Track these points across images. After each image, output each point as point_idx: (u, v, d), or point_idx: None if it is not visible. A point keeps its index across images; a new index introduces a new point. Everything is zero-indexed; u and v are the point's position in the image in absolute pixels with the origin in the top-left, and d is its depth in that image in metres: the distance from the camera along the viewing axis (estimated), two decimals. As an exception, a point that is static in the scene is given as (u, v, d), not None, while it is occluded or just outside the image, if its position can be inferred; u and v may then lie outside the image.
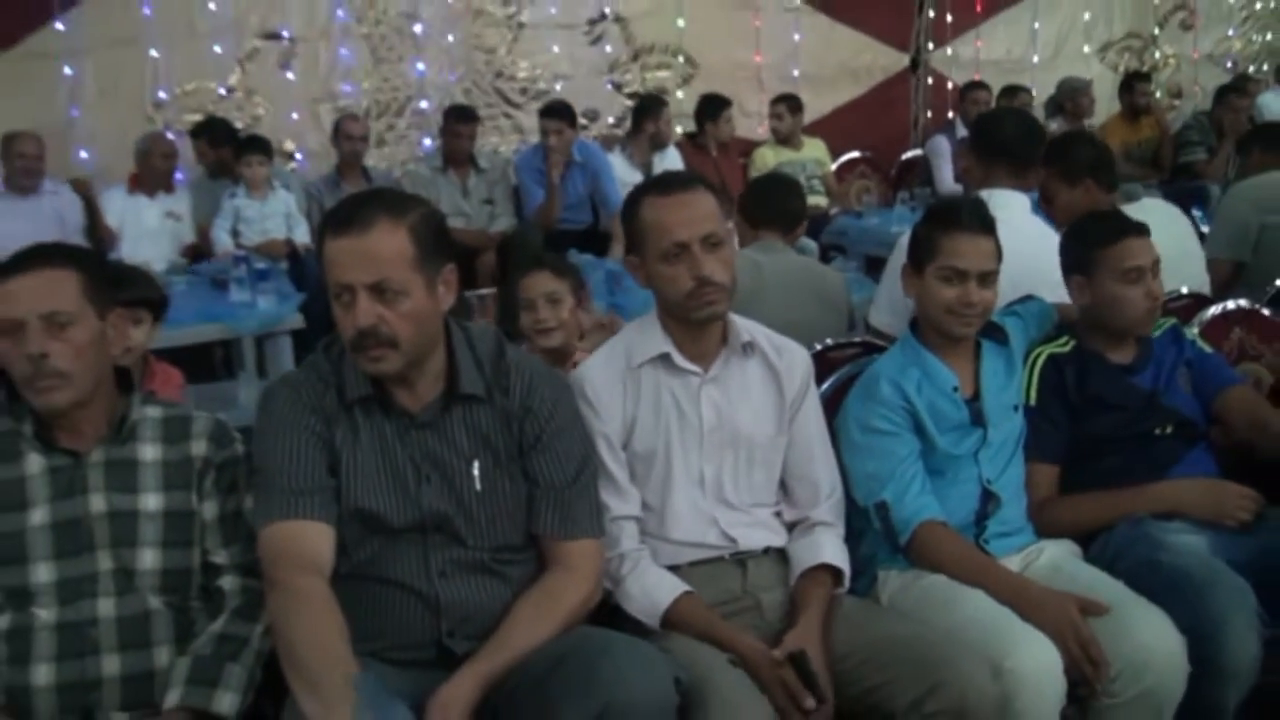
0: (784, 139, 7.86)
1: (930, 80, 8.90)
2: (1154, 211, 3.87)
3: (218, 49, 7.23)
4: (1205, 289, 3.95)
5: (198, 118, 7.14)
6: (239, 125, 7.16)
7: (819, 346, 3.26)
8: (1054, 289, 3.32)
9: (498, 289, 6.53)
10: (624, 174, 7.21)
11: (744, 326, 2.68)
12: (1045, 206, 4.06)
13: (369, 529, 2.32)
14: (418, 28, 7.50)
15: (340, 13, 7.36)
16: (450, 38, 7.64)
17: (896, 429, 2.74)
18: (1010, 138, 3.65)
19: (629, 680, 2.09)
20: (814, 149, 8.01)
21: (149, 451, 2.40)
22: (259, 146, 6.52)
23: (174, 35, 7.12)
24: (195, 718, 2.26)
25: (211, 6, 7.14)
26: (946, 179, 7.34)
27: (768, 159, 7.81)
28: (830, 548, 2.60)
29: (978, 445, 2.80)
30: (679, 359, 2.59)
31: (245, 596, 2.40)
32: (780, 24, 8.55)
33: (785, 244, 3.99)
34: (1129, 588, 2.57)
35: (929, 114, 8.94)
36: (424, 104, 7.45)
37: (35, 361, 2.24)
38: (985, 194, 3.56)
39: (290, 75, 7.37)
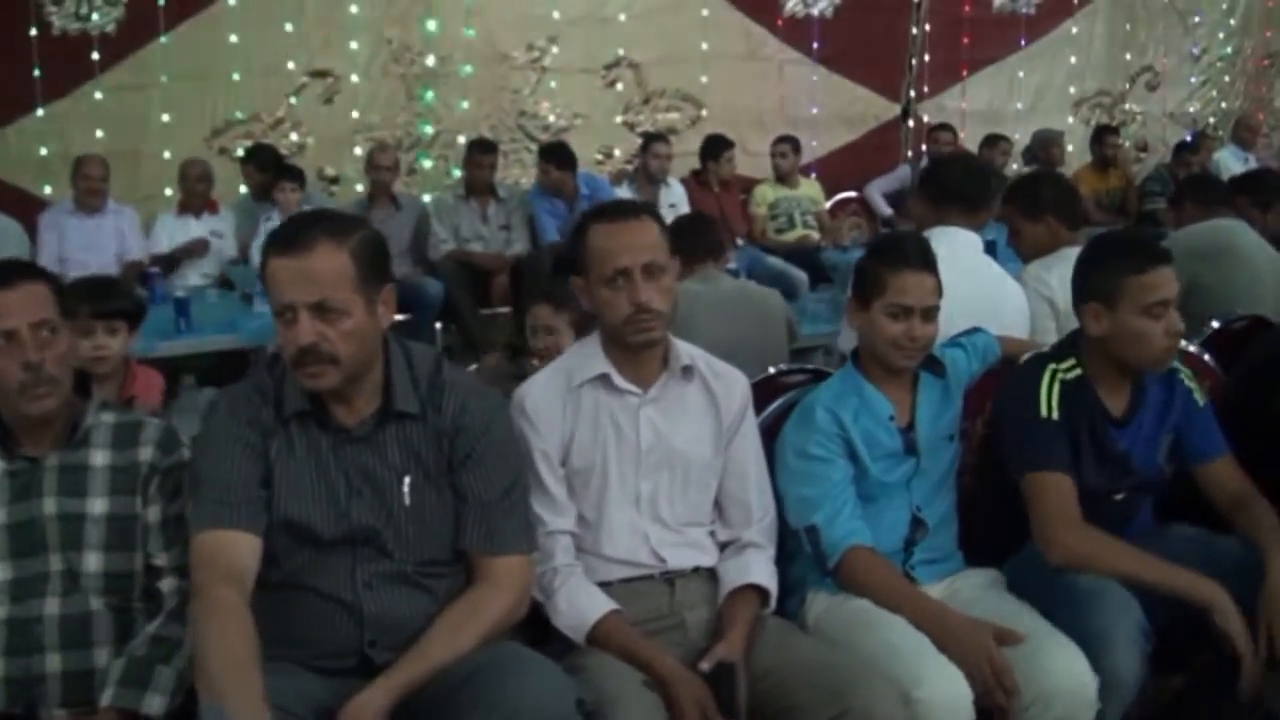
0: (783, 177, 7.65)
1: (917, 128, 8.64)
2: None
3: (270, 84, 7.12)
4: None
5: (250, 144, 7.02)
6: (286, 152, 7.04)
7: (772, 370, 3.03)
8: (1000, 323, 3.11)
9: (513, 309, 6.44)
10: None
11: (685, 351, 2.47)
12: (1012, 240, 3.84)
13: (299, 540, 2.14)
14: (445, 69, 7.35)
15: (378, 54, 7.23)
16: (478, 79, 7.47)
17: (831, 455, 2.51)
18: (959, 181, 3.44)
19: (529, 700, 1.92)
20: (809, 187, 7.82)
21: (99, 457, 2.25)
22: (293, 175, 6.43)
23: (233, 70, 7.04)
24: (126, 717, 2.10)
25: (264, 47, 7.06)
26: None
27: (767, 195, 7.63)
28: (759, 568, 2.38)
29: (910, 473, 2.56)
30: (618, 380, 2.39)
31: (181, 598, 2.22)
32: (783, 73, 8.34)
33: (718, 270, 3.83)
34: (1037, 607, 2.36)
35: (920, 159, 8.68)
36: (460, 138, 7.26)
37: (34, 369, 2.13)
38: (939, 232, 3.35)
39: (332, 108, 7.20)
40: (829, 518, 2.45)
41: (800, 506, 2.49)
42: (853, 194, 8.17)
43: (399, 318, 2.42)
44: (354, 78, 7.25)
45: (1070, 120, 9.24)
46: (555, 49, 7.64)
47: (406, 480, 2.18)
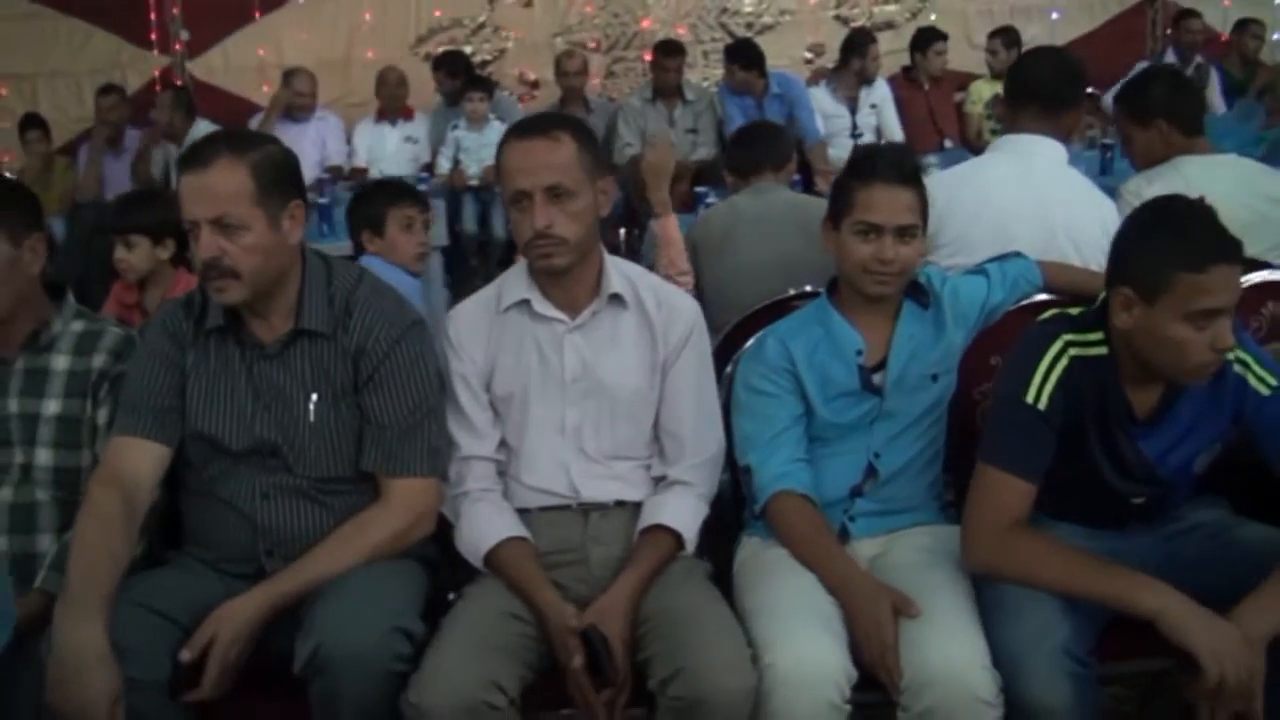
0: (999, 73, 7.07)
1: (1166, 14, 7.75)
2: (1228, 168, 3.18)
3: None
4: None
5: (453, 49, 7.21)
6: (488, 58, 7.18)
7: (792, 291, 2.85)
8: (1080, 252, 2.79)
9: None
10: (828, 107, 6.78)
11: (624, 277, 2.36)
12: (1125, 149, 3.44)
13: (211, 450, 2.25)
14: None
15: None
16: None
17: (778, 391, 2.34)
18: (1041, 78, 3.02)
19: (343, 625, 1.94)
20: (1034, 84, 7.19)
21: (61, 362, 2.42)
22: (480, 84, 6.58)
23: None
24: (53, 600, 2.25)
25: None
26: None
27: (983, 92, 7.09)
28: (674, 509, 2.26)
29: (872, 415, 2.35)
30: (540, 305, 2.32)
31: None
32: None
33: (777, 183, 3.59)
34: (970, 596, 2.11)
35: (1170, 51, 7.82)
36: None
37: None
38: (1008, 139, 3.02)
39: (531, 12, 7.25)
40: (764, 458, 2.30)
41: (741, 443, 2.36)
42: (1089, 90, 7.45)
43: None
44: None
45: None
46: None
47: (313, 398, 2.23)
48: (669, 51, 6.69)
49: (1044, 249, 2.73)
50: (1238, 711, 1.91)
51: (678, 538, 2.23)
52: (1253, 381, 2.12)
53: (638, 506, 2.31)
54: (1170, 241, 2.00)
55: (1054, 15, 7.71)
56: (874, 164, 2.34)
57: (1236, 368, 2.13)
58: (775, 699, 1.93)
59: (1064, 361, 2.11)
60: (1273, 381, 2.12)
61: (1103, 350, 2.13)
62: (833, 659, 1.98)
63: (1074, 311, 2.21)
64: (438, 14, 7.29)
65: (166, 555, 2.31)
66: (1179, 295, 1.96)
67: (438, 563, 2.32)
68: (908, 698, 1.98)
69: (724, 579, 2.30)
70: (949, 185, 2.78)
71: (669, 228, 3.32)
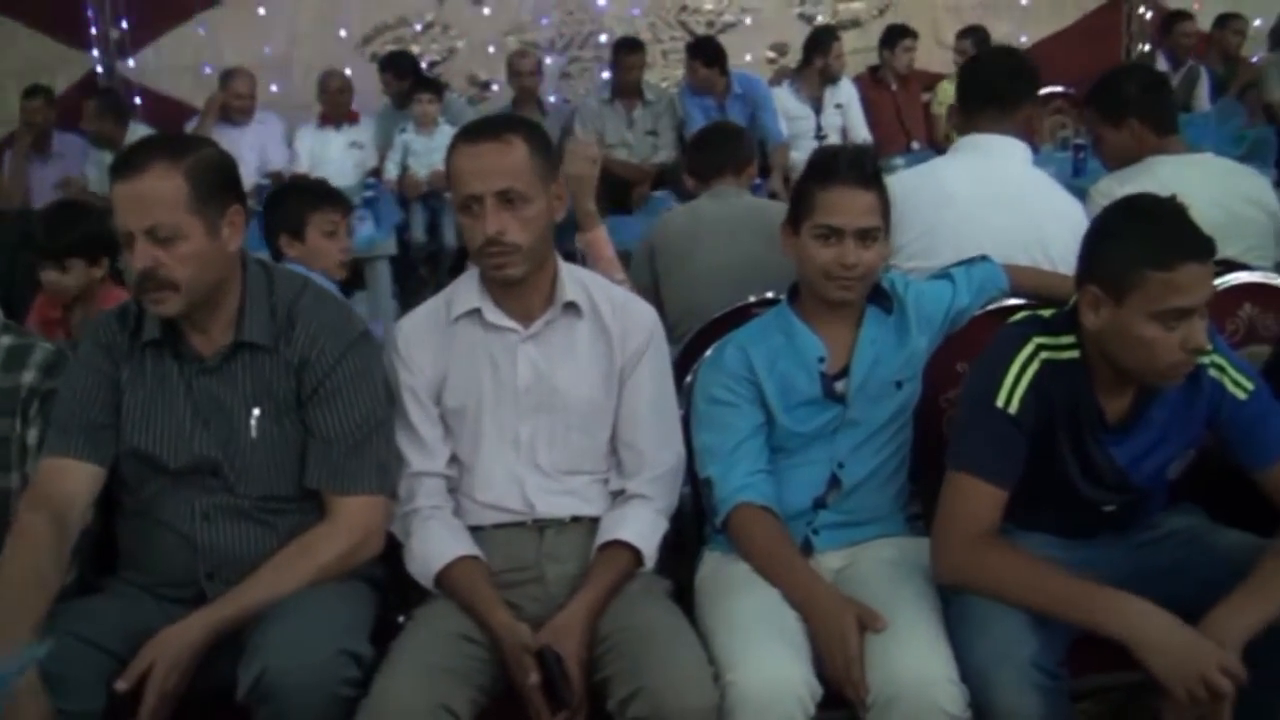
0: (968, 73, 7.18)
1: (1145, 10, 7.89)
2: (1202, 168, 3.24)
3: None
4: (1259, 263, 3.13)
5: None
6: (437, 58, 7.20)
7: (754, 298, 2.89)
8: (1047, 253, 2.84)
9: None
10: (792, 108, 6.84)
11: (579, 285, 2.39)
12: (1097, 148, 3.50)
13: (148, 468, 2.24)
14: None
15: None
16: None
17: (737, 401, 2.38)
18: (992, 78, 3.09)
19: (288, 649, 1.94)
20: (1004, 83, 7.29)
21: None
22: (429, 85, 6.61)
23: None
24: None
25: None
26: None
27: (951, 93, 7.13)
28: (632, 524, 2.29)
29: (835, 424, 2.39)
30: (492, 315, 2.35)
31: None
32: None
33: (739, 186, 3.64)
34: (937, 609, 2.15)
35: (1145, 46, 7.95)
36: (603, 37, 7.18)
37: None
38: (967, 141, 3.08)
39: (484, 10, 7.29)
40: (724, 470, 2.33)
41: (701, 455, 2.39)
42: (1058, 89, 7.57)
43: None
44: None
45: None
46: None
47: (255, 413, 2.23)
48: (629, 49, 6.74)
49: (1009, 251, 2.77)
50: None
51: (637, 554, 2.26)
52: (1229, 385, 2.18)
53: (595, 522, 2.33)
54: (1139, 239, 2.04)
55: (1024, 11, 7.79)
56: (834, 165, 2.38)
57: (1212, 371, 2.18)
58: (738, 717, 1.96)
59: (1035, 365, 2.15)
60: (1249, 385, 2.18)
61: (1075, 354, 2.17)
62: (796, 675, 2.01)
63: (1046, 314, 2.26)
64: (384, 12, 7.27)
65: (100, 581, 2.29)
66: (1148, 294, 2.00)
67: (386, 584, 2.33)
68: (874, 713, 2.02)
69: (685, 595, 2.33)
70: (909, 187, 2.83)
71: (598, 243, 3.21)
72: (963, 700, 1.99)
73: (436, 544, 2.26)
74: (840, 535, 2.38)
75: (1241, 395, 2.17)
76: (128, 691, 1.96)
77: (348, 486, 2.23)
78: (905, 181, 2.55)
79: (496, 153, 2.24)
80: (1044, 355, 2.16)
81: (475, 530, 2.32)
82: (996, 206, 2.91)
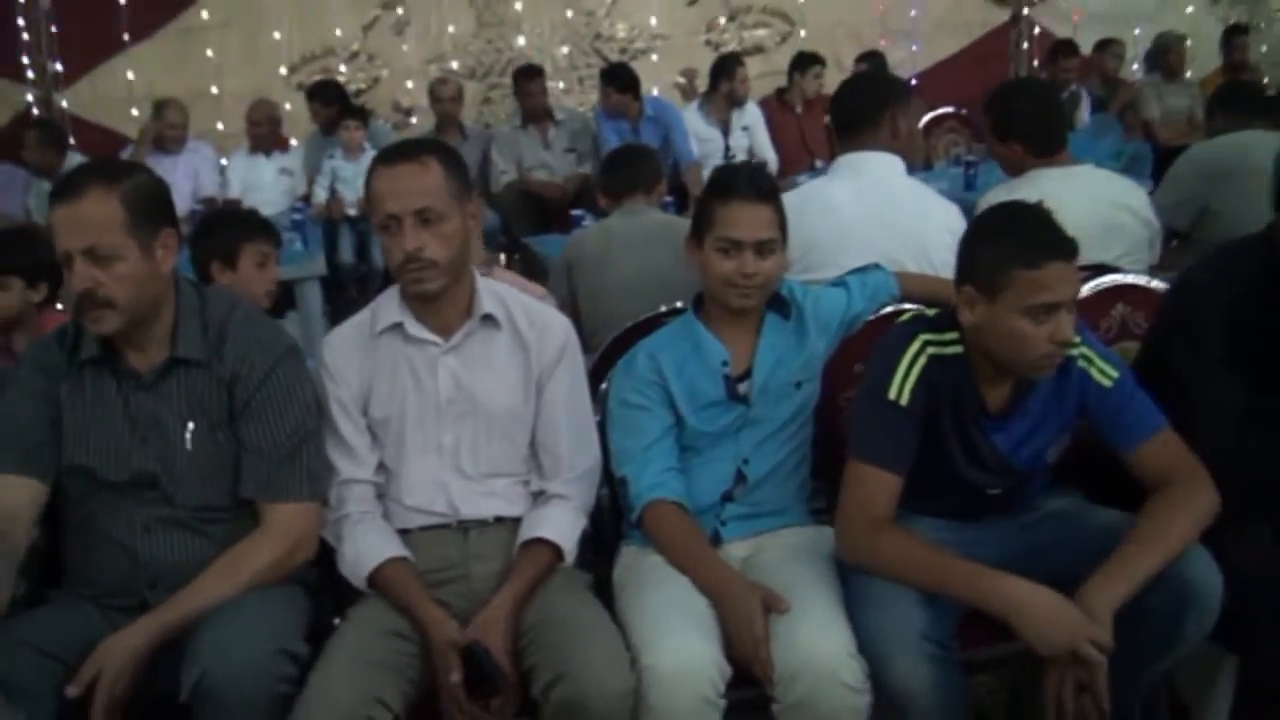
0: (867, 95, 7.33)
1: (1029, 33, 8.11)
2: (1082, 179, 3.32)
3: (342, 19, 7.31)
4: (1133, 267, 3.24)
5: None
6: (363, 86, 7.20)
7: (665, 308, 2.95)
8: (929, 260, 2.92)
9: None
10: (701, 130, 6.96)
11: (495, 298, 2.43)
12: (993, 153, 3.59)
13: (89, 483, 2.25)
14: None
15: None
16: (550, 3, 7.44)
17: (649, 404, 2.44)
18: (849, 105, 3.21)
19: (226, 650, 1.97)
20: (900, 105, 7.45)
21: None
22: (355, 113, 6.59)
23: (305, 6, 7.24)
24: None
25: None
26: None
27: (851, 114, 7.32)
28: (552, 522, 2.34)
29: (740, 423, 2.46)
30: (413, 328, 2.38)
31: None
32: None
33: (648, 204, 3.71)
34: (837, 590, 2.23)
35: (1036, 65, 8.18)
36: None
37: None
38: (848, 157, 3.15)
39: (407, 40, 7.32)
40: (638, 470, 2.39)
41: (617, 456, 2.45)
42: (951, 109, 7.77)
43: None
44: (424, 7, 7.32)
45: (1208, 20, 8.48)
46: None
47: (190, 426, 2.25)
48: (528, 76, 6.81)
49: (890, 259, 2.86)
50: (1082, 683, 2.05)
51: (557, 550, 2.31)
52: (1095, 375, 2.28)
53: (517, 522, 2.37)
54: (1008, 241, 2.14)
55: (915, 45, 7.97)
56: (733, 182, 2.46)
57: (1081, 362, 2.28)
58: (653, 697, 2.02)
59: (923, 360, 2.24)
60: (1114, 374, 2.29)
61: (958, 349, 2.27)
62: (706, 657, 2.07)
63: (931, 313, 2.37)
64: (311, 43, 7.27)
65: (48, 594, 2.29)
66: (1017, 291, 2.10)
67: (320, 588, 2.36)
68: (780, 690, 2.09)
69: (606, 589, 2.39)
70: (794, 205, 2.90)
71: (501, 277, 3.24)
72: (861, 672, 2.07)
73: (367, 547, 2.29)
74: (746, 526, 2.45)
75: (1107, 383, 2.28)
76: (78, 698, 1.97)
77: (280, 495, 2.26)
78: (791, 202, 2.64)
79: (413, 174, 2.28)
80: (930, 350, 2.25)
81: (403, 533, 2.36)
82: (877, 218, 2.99)
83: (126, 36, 6.97)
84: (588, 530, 2.44)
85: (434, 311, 2.38)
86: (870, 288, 2.70)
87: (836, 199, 3.02)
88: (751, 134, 7.01)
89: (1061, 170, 3.31)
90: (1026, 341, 2.14)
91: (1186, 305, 2.46)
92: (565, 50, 7.51)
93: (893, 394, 2.22)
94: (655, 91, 7.05)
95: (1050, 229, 2.15)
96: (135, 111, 7.01)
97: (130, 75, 7.11)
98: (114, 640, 2.05)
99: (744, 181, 2.45)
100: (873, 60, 7.29)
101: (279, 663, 2.00)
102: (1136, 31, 8.19)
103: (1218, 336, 2.37)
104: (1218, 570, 2.13)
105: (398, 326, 2.38)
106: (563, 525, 2.34)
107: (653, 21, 7.67)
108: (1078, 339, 2.23)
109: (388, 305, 2.41)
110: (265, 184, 6.68)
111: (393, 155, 2.33)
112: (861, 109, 3.13)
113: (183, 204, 6.23)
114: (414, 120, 7.44)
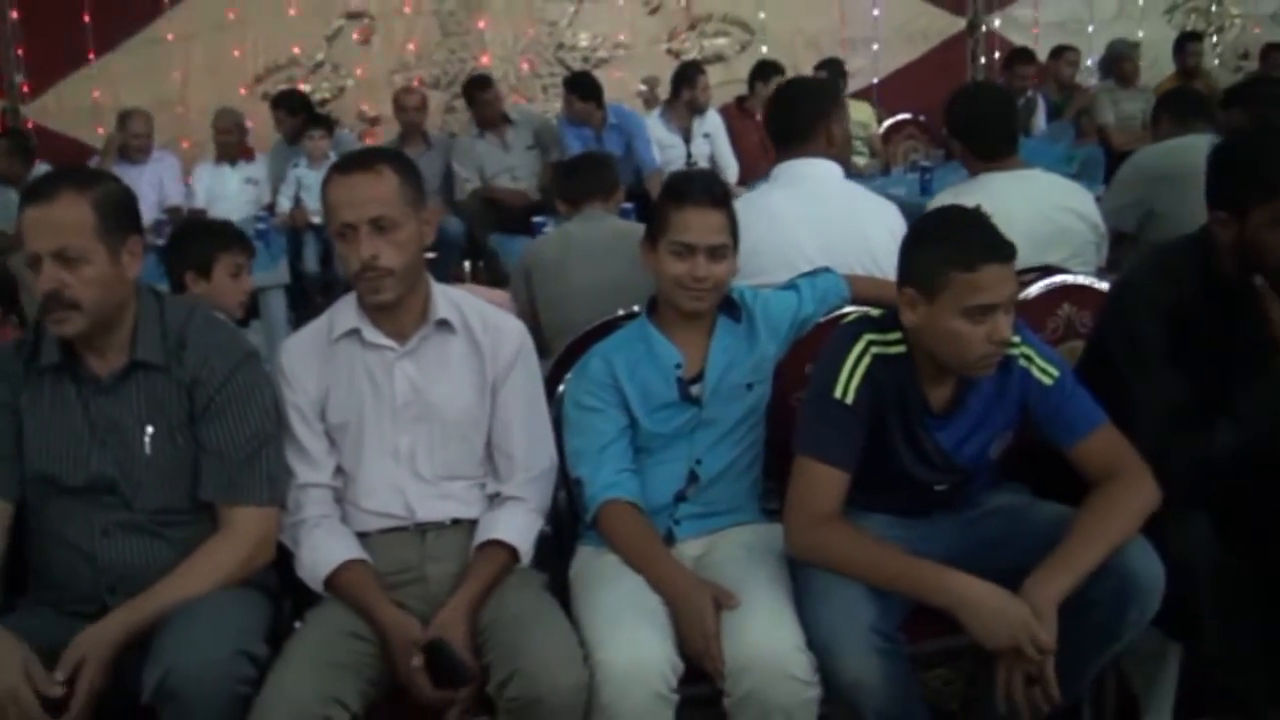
0: (827, 101, 7.38)
1: (988, 42, 8.21)
2: (1029, 183, 3.36)
3: (307, 30, 7.31)
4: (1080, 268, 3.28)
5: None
6: (328, 96, 7.20)
7: (621, 312, 2.97)
8: (877, 262, 2.95)
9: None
10: (663, 137, 6.99)
11: (451, 303, 2.45)
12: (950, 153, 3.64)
13: (49, 489, 2.26)
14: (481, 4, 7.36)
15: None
16: (514, 12, 7.46)
17: (603, 406, 2.46)
18: (782, 113, 3.27)
19: (188, 651, 1.98)
20: (859, 111, 7.50)
21: None
22: (320, 122, 6.60)
23: (274, 15, 7.25)
24: None
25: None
26: None
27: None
28: (508, 524, 2.35)
29: (693, 424, 2.49)
30: (370, 334, 2.40)
31: None
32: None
33: (606, 211, 3.73)
34: (786, 585, 2.26)
35: (994, 72, 8.26)
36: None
37: None
38: (786, 164, 3.19)
39: (369, 49, 7.33)
40: (593, 471, 2.41)
41: (572, 457, 2.47)
42: (909, 116, 7.84)
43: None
44: (389, 17, 7.34)
45: (1164, 27, 8.59)
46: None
47: (149, 430, 2.26)
48: (480, 85, 6.81)
49: (833, 261, 2.89)
50: (1030, 675, 2.09)
51: (513, 551, 2.32)
52: (1036, 373, 2.32)
53: (474, 524, 2.39)
54: (945, 244, 2.19)
55: (876, 47, 8.04)
56: (687, 188, 2.49)
57: (1021, 361, 2.32)
58: (605, 693, 2.04)
59: (867, 359, 2.27)
60: (1055, 373, 2.33)
61: (901, 349, 2.30)
62: (659, 653, 2.10)
63: (875, 314, 2.40)
64: (276, 53, 7.26)
65: (16, 602, 2.30)
66: (955, 292, 2.15)
67: (279, 591, 2.36)
68: (730, 683, 2.11)
69: (565, 589, 2.40)
70: (738, 212, 2.95)
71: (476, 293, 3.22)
72: (810, 666, 2.10)
73: (325, 550, 2.30)
74: (699, 525, 2.47)
75: (1048, 381, 2.31)
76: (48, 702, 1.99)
77: (240, 497, 2.27)
78: (736, 209, 2.68)
79: (368, 183, 2.30)
80: (874, 350, 2.29)
81: (361, 536, 2.36)
82: (819, 222, 3.03)
83: (92, 56, 6.93)
84: (547, 532, 2.46)
85: (390, 317, 2.39)
86: (820, 290, 2.73)
87: (778, 206, 3.06)
88: (713, 141, 7.04)
89: (1010, 174, 3.36)
90: (965, 341, 2.17)
91: (1126, 304, 2.51)
92: (528, 60, 7.51)
93: (838, 393, 2.25)
94: (618, 100, 7.05)
95: (986, 233, 2.19)
96: (101, 125, 6.97)
97: (96, 87, 7.07)
98: (92, 631, 2.07)
99: (698, 187, 2.48)
100: (831, 68, 7.34)
101: (239, 664, 2.01)
102: (1090, 29, 8.26)
103: (1156, 334, 2.42)
104: (1159, 561, 2.18)
105: (354, 332, 2.40)
106: (518, 527, 2.36)
107: (617, 33, 7.69)
108: (1017, 339, 2.28)
109: (344, 311, 2.43)
110: (231, 194, 6.66)
111: (348, 164, 2.35)
112: (796, 123, 3.18)
113: (148, 214, 6.18)
114: (378, 129, 7.43)
